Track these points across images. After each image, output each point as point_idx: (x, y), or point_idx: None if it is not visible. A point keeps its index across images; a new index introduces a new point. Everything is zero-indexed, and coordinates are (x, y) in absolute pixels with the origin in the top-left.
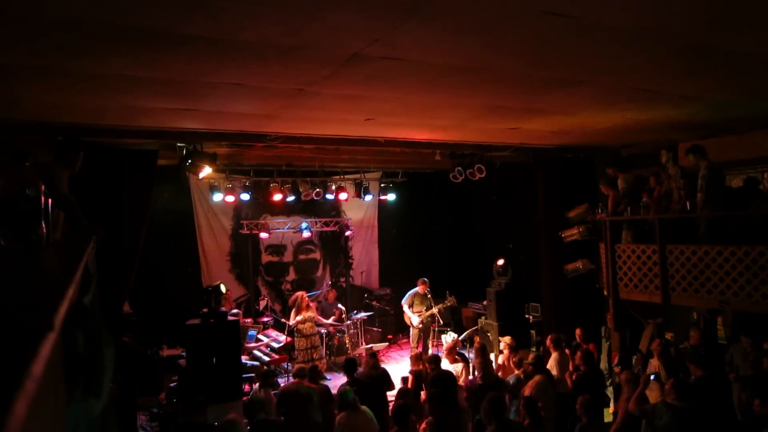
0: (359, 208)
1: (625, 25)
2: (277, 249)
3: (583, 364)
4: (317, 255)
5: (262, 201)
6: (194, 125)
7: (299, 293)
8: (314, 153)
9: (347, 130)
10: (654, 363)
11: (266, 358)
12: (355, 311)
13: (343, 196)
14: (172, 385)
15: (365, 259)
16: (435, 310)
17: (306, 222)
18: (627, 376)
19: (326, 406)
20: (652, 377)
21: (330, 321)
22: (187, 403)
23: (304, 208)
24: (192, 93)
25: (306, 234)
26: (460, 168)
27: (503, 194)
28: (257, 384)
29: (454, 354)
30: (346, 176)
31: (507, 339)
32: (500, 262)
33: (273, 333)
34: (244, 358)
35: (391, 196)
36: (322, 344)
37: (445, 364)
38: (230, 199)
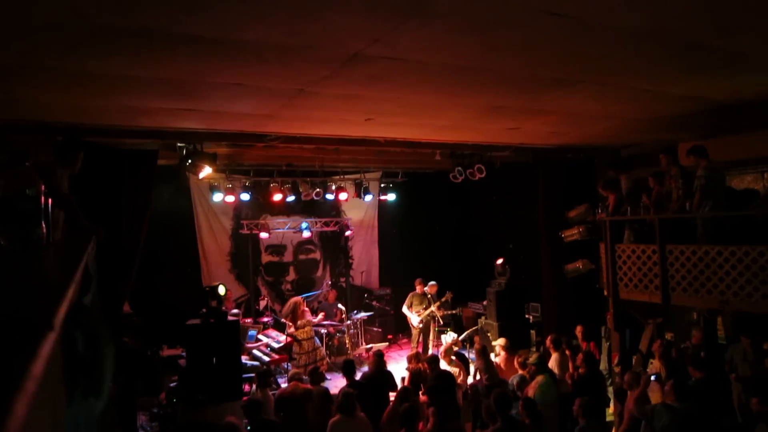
0: (359, 208)
1: (625, 25)
2: (277, 249)
3: (584, 366)
4: (317, 255)
5: (262, 201)
6: (194, 125)
7: (295, 300)
8: (314, 153)
9: (347, 130)
10: (655, 363)
11: (266, 358)
12: (355, 311)
13: (343, 196)
14: (172, 385)
15: (365, 259)
16: (433, 308)
17: (306, 222)
18: (630, 378)
19: (324, 408)
20: (653, 378)
21: (328, 322)
22: (187, 403)
23: (304, 208)
24: (192, 93)
25: (306, 234)
26: (460, 168)
27: (503, 194)
28: (255, 384)
29: (450, 355)
30: (346, 176)
31: (501, 341)
32: (499, 261)
33: (273, 333)
34: (244, 358)
35: (391, 196)
36: (322, 345)
37: (443, 365)
38: (230, 199)
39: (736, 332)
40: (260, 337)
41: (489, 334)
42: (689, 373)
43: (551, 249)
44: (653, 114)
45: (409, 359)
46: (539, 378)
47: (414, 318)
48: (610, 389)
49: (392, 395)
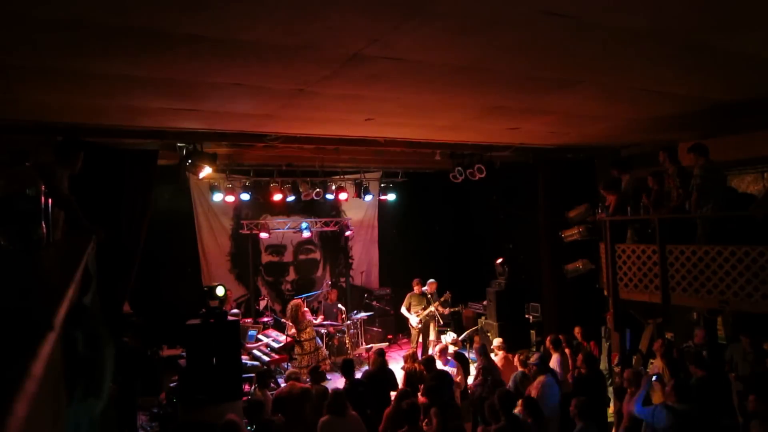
0: (359, 208)
1: (625, 25)
2: (277, 249)
3: (584, 366)
4: (317, 255)
5: (262, 201)
6: (194, 125)
7: (295, 303)
8: (314, 153)
9: (347, 130)
10: (656, 363)
11: (266, 358)
12: (355, 311)
13: (343, 196)
14: (172, 385)
15: (365, 259)
16: (432, 308)
17: (306, 222)
18: (630, 376)
19: (323, 408)
20: (654, 378)
21: (329, 322)
22: (187, 403)
23: (304, 208)
24: (192, 93)
25: (306, 234)
26: (460, 168)
27: (503, 194)
28: (255, 384)
29: (446, 356)
30: (346, 176)
31: (497, 342)
32: (499, 261)
33: (273, 333)
34: (244, 358)
35: (391, 196)
36: (323, 345)
37: (438, 365)
38: (230, 199)
39: (736, 332)
40: (260, 337)
41: (489, 334)
42: (690, 372)
43: (551, 249)
44: (653, 114)
45: (405, 359)
46: (541, 378)
47: (413, 318)
48: (611, 389)
49: (392, 394)
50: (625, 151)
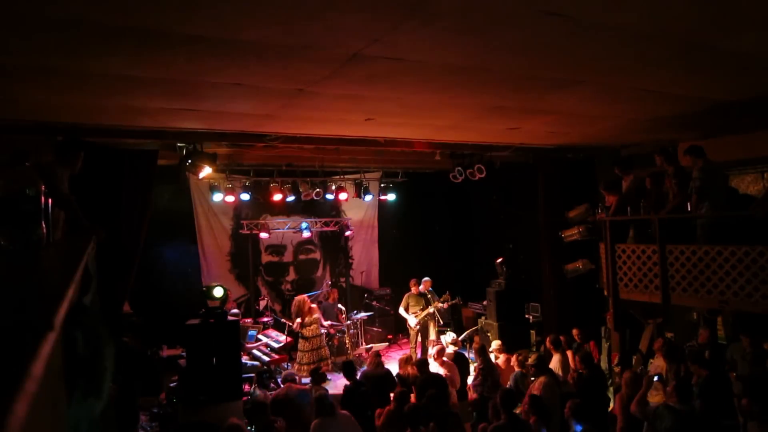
0: (359, 208)
1: (625, 25)
2: (277, 249)
3: (583, 367)
4: (317, 255)
5: (262, 201)
6: (194, 125)
7: (300, 299)
8: (314, 153)
9: (347, 130)
10: (657, 364)
11: (266, 358)
12: (355, 311)
13: (343, 196)
14: (172, 385)
15: (365, 259)
16: (431, 308)
17: (306, 222)
18: (628, 376)
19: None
20: (655, 378)
21: (329, 322)
22: (187, 403)
23: (304, 208)
24: (192, 93)
25: (306, 234)
26: (460, 168)
27: (503, 194)
28: (254, 385)
29: (442, 357)
30: (346, 176)
31: (495, 345)
32: (499, 261)
33: (273, 333)
34: (244, 358)
35: (391, 196)
36: (325, 346)
37: (435, 366)
38: (230, 199)
39: (736, 332)
40: (260, 337)
41: (489, 334)
42: (692, 371)
43: (551, 249)
44: (653, 114)
45: (401, 363)
46: (542, 378)
47: (411, 319)
48: (611, 389)
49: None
50: (625, 151)
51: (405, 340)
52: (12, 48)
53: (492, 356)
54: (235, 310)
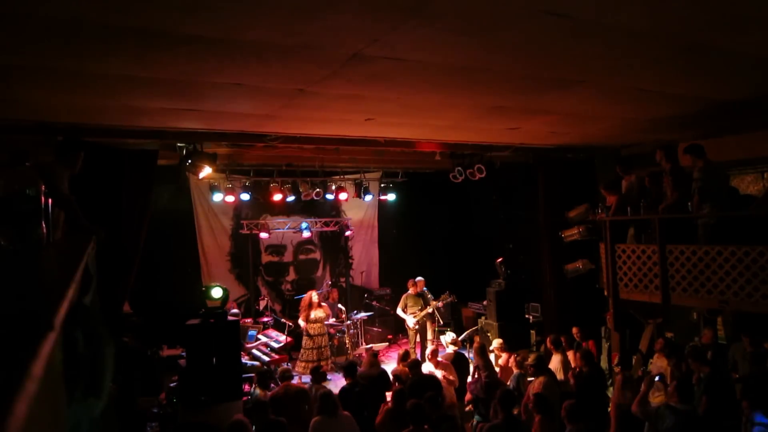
0: (359, 208)
1: (625, 25)
2: (277, 249)
3: (584, 364)
4: (317, 255)
5: (262, 201)
6: (194, 125)
7: (309, 293)
8: (314, 153)
9: (347, 130)
10: (658, 364)
11: (266, 358)
12: (355, 311)
13: (343, 196)
14: (172, 385)
15: (365, 259)
16: (429, 308)
17: (306, 222)
18: (622, 379)
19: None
20: (657, 378)
21: (332, 321)
22: (187, 403)
23: (304, 208)
24: (192, 93)
25: (306, 234)
26: (460, 168)
27: (503, 194)
28: (255, 384)
29: (436, 357)
30: (346, 176)
31: (496, 344)
32: (498, 261)
33: (273, 333)
34: (244, 358)
35: (391, 196)
36: (328, 345)
37: (430, 367)
38: (230, 199)
39: (737, 332)
40: (260, 337)
41: (489, 334)
42: (692, 369)
43: (551, 249)
44: (653, 114)
45: (398, 359)
46: (541, 378)
47: (410, 320)
48: (611, 389)
49: (387, 394)
50: (625, 151)
51: (405, 340)
52: (12, 48)
53: (492, 356)
54: (235, 310)
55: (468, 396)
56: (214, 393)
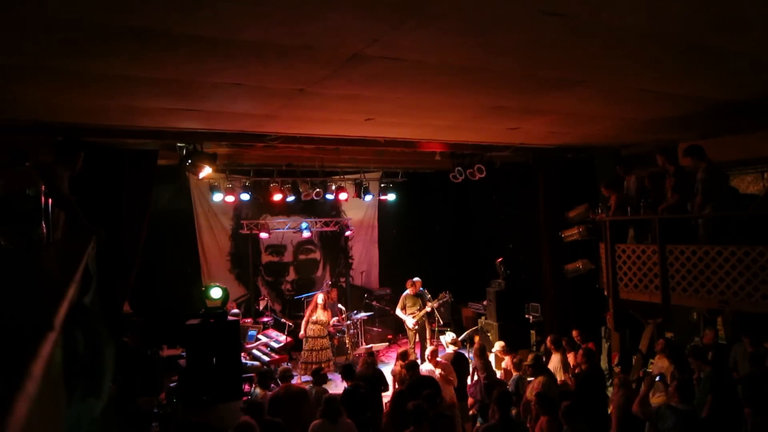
0: (359, 208)
1: (625, 25)
2: (277, 249)
3: (583, 362)
4: (317, 255)
5: (262, 201)
6: (194, 125)
7: (317, 294)
8: (314, 153)
9: (347, 130)
10: (660, 364)
11: (266, 358)
12: (355, 311)
13: (343, 196)
14: (172, 385)
15: (365, 259)
16: (428, 308)
17: (306, 222)
18: (619, 381)
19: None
20: (657, 378)
21: (332, 321)
22: (187, 403)
23: (304, 208)
24: (192, 93)
25: (306, 234)
26: (460, 168)
27: (503, 194)
28: (255, 384)
29: (436, 357)
30: (346, 176)
31: (498, 347)
32: (498, 261)
33: (273, 333)
34: (244, 358)
35: (391, 196)
36: (328, 348)
37: (429, 367)
38: (230, 199)
39: (737, 332)
40: (260, 337)
41: (489, 334)
42: (693, 367)
43: (551, 249)
44: (653, 114)
45: (397, 358)
46: (540, 378)
47: (409, 320)
48: (611, 389)
49: (384, 394)
50: (625, 151)
51: (405, 340)
52: (13, 48)
53: (492, 357)
54: (235, 310)
55: (471, 400)
56: (214, 393)
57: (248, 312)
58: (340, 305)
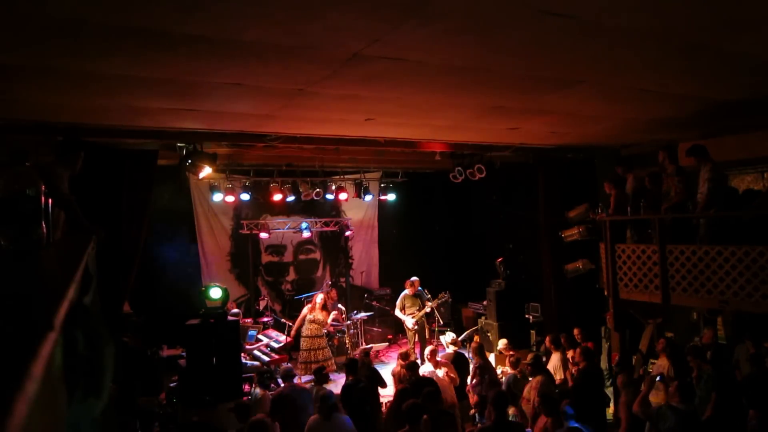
0: (359, 208)
1: (624, 25)
2: (277, 249)
3: (582, 360)
4: (317, 255)
5: (262, 201)
6: (194, 125)
7: (317, 294)
8: (314, 153)
9: (347, 130)
10: (660, 364)
11: (266, 358)
12: (355, 311)
13: (343, 196)
14: (172, 385)
15: (365, 259)
16: (427, 308)
17: (306, 222)
18: (624, 379)
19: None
20: (657, 378)
21: (330, 321)
22: (187, 403)
23: (304, 208)
24: (192, 93)
25: (306, 234)
26: (460, 168)
27: (503, 194)
28: (255, 384)
29: (436, 357)
30: (346, 176)
31: (502, 345)
32: (498, 260)
33: (273, 333)
34: (244, 358)
35: (391, 196)
36: (326, 347)
37: (429, 367)
38: (230, 199)
39: (737, 333)
40: (260, 337)
41: (489, 334)
42: (692, 366)
43: (551, 249)
44: (653, 114)
45: (398, 358)
46: (539, 378)
47: (408, 320)
48: (610, 389)
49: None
50: (625, 151)
51: (405, 340)
52: (13, 48)
53: (492, 356)
54: (235, 310)
55: (474, 398)
56: (214, 393)
57: (248, 312)
58: (340, 305)
